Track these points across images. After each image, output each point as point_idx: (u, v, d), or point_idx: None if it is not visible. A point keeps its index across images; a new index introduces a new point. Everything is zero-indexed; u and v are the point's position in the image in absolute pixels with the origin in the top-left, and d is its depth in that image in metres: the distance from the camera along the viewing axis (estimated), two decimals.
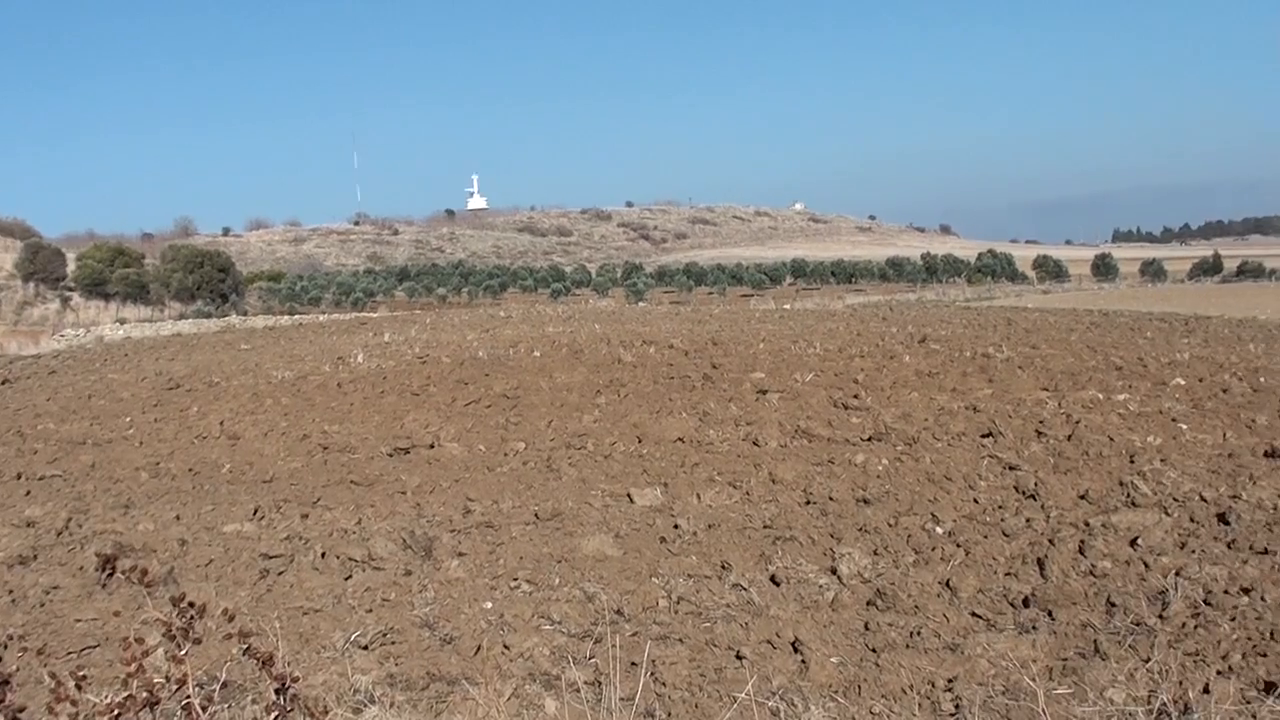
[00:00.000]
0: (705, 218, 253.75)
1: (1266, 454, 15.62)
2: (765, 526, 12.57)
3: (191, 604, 5.28)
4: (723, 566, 11.04)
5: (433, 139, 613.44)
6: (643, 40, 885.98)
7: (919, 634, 9.24)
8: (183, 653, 5.13)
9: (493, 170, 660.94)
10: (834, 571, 10.81)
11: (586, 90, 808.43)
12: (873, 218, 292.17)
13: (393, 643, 9.10)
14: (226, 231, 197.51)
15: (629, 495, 13.81)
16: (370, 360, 32.66)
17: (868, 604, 10.09)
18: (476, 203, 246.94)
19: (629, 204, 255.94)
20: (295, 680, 5.56)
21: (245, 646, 5.45)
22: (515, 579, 10.71)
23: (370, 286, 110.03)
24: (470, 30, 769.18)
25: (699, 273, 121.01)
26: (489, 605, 9.95)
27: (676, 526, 12.44)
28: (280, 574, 11.19)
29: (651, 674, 8.12)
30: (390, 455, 17.47)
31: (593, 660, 8.53)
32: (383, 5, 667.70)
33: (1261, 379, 23.57)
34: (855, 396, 21.32)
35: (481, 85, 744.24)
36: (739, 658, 8.61)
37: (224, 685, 6.41)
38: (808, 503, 13.60)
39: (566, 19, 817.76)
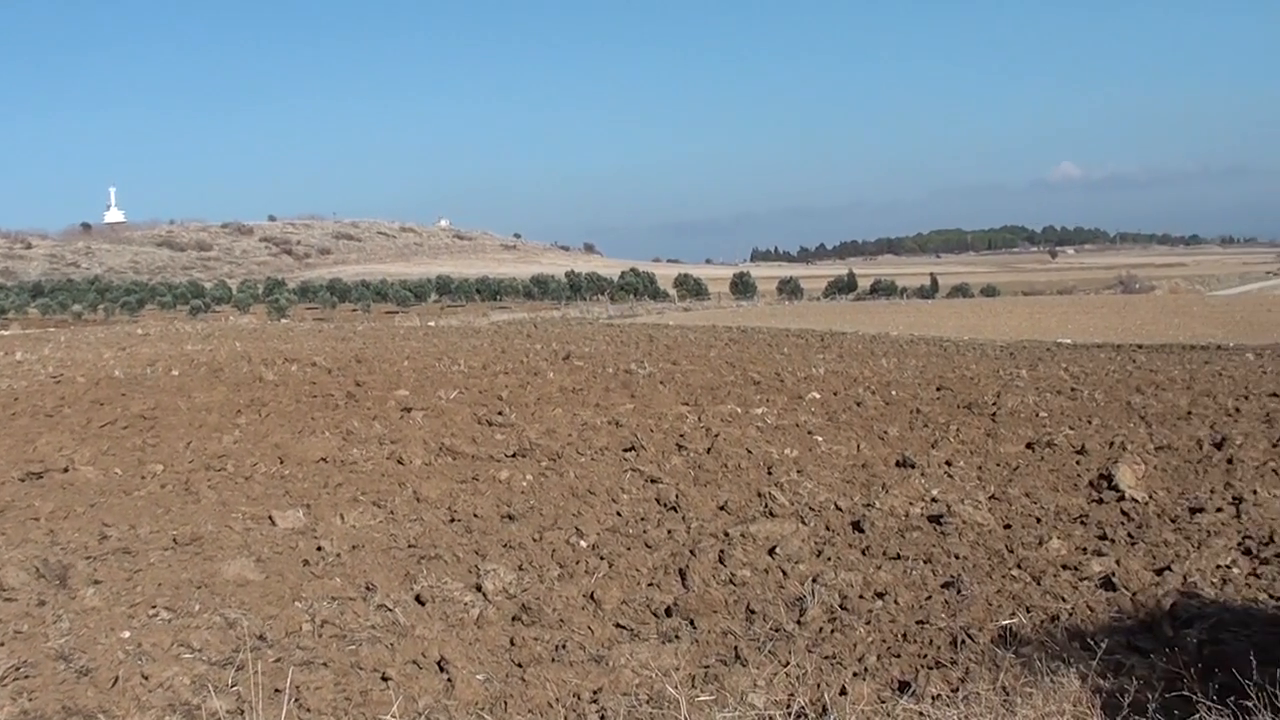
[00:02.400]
0: (350, 233, 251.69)
1: (898, 464, 16.23)
2: (410, 545, 12.46)
3: None
4: (367, 588, 10.88)
5: (68, 148, 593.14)
6: (287, 47, 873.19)
7: (564, 647, 9.28)
8: None
9: (131, 182, 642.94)
10: (479, 589, 10.78)
11: (228, 98, 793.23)
12: (518, 236, 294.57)
13: (26, 676, 8.66)
14: None
15: (271, 517, 13.50)
16: (0, 380, 31.29)
17: (513, 619, 10.09)
18: (114, 216, 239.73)
19: (272, 218, 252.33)
20: None
21: None
22: (154, 606, 10.33)
23: (1, 303, 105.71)
24: (107, 33, 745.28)
25: (343, 289, 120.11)
26: (127, 634, 9.58)
27: (320, 548, 12.21)
28: None
29: (295, 700, 7.95)
30: (22, 480, 16.68)
31: (235, 688, 8.28)
32: (7, 5, 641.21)
33: (893, 392, 24.48)
34: (500, 413, 21.34)
35: (120, 92, 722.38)
36: (385, 679, 8.50)
37: None
38: (453, 520, 13.55)
39: (207, 20, 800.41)
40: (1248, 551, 11.43)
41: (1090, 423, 19.46)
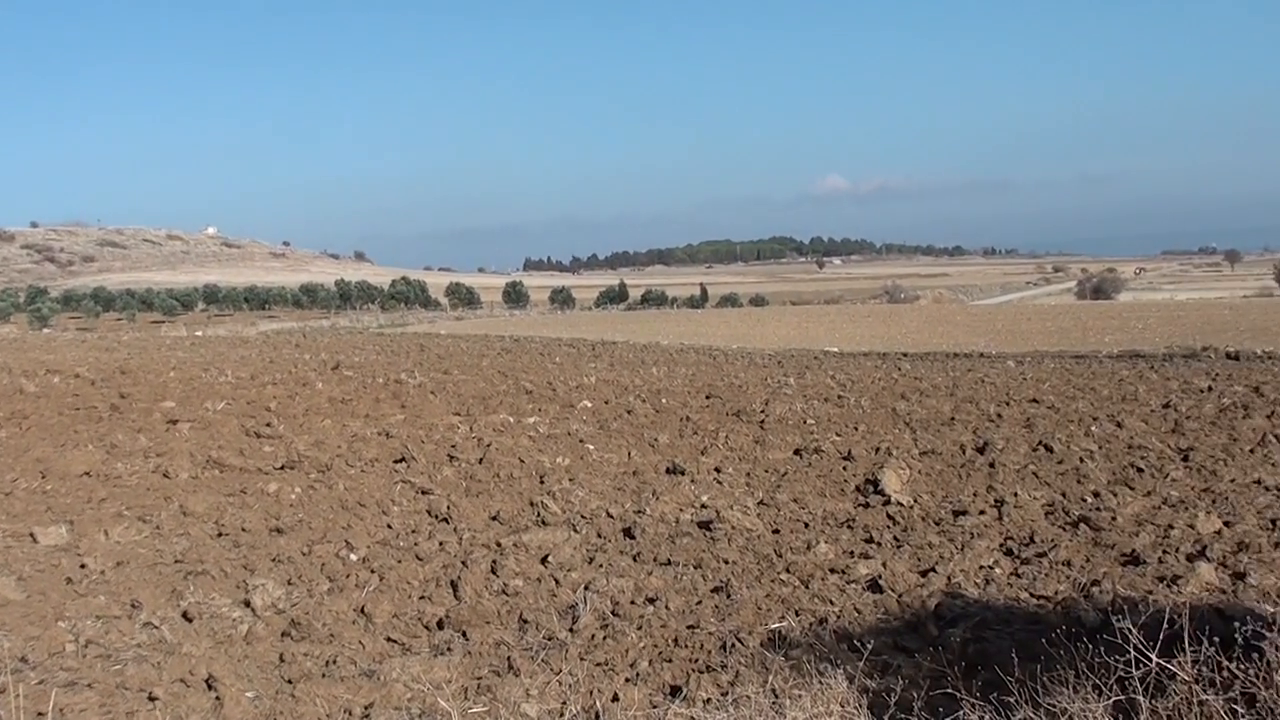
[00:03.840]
0: (115, 240, 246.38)
1: (669, 471, 16.39)
2: (177, 561, 12.22)
3: None
4: (133, 605, 10.64)
5: None
6: (47, 47, 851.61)
7: (335, 662, 9.19)
8: None
9: None
10: (248, 604, 10.62)
11: None
12: (287, 243, 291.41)
13: None
14: None
15: (32, 535, 13.11)
16: None
17: (283, 635, 9.97)
18: None
19: (34, 224, 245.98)
20: None
21: None
22: None
23: None
24: None
25: (108, 298, 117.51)
26: None
27: (84, 566, 11.90)
28: None
29: None
30: None
31: None
32: None
33: (663, 400, 24.69)
34: (268, 425, 21.04)
35: None
36: (151, 699, 8.32)
37: None
38: (220, 535, 13.32)
39: None
40: (1009, 552, 11.81)
41: (857, 429, 19.86)
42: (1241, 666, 5.95)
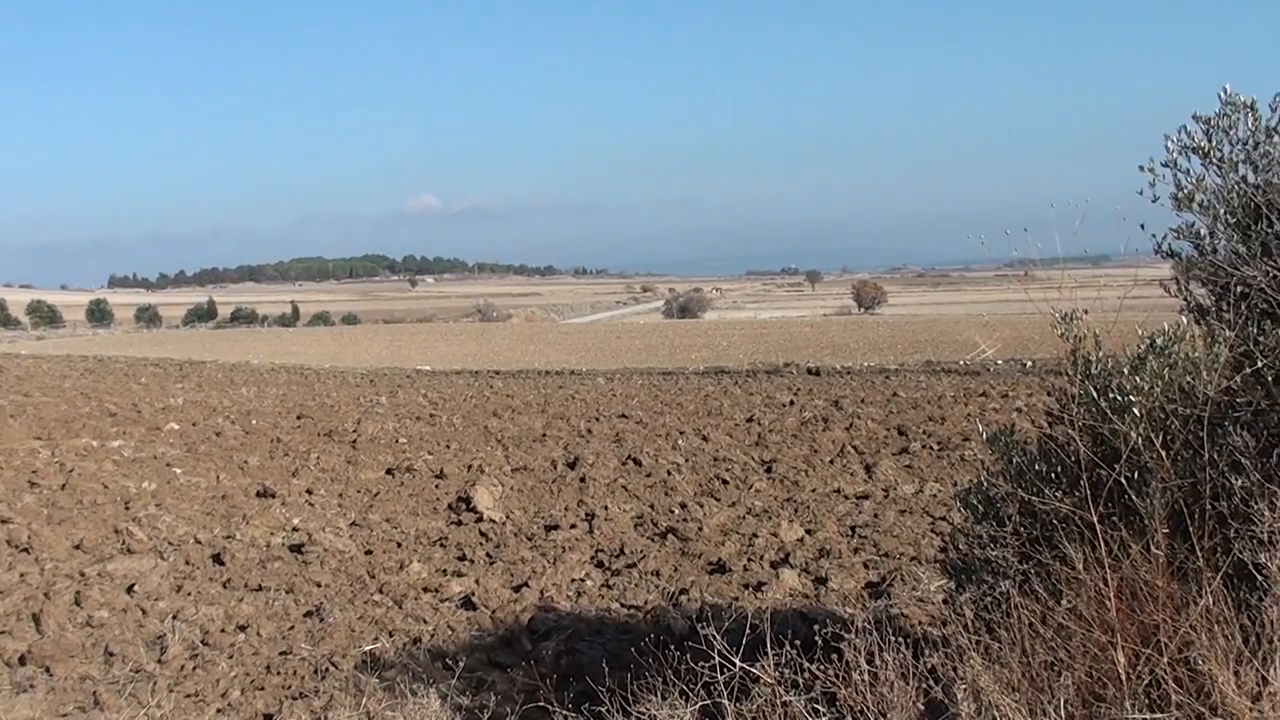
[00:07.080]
0: None
1: (259, 494, 16.14)
2: None
3: None
4: None
5: None
6: None
7: None
8: None
9: None
10: None
11: None
12: None
13: None
14: None
15: None
16: None
17: None
18: None
19: None
20: None
21: None
22: None
23: None
24: None
25: None
26: None
27: None
28: None
29: None
30: None
31: None
32: None
33: (254, 421, 24.32)
34: None
35: None
36: None
37: None
38: None
39: None
40: (600, 564, 12.07)
41: (449, 447, 19.96)
42: (822, 667, 6.18)
